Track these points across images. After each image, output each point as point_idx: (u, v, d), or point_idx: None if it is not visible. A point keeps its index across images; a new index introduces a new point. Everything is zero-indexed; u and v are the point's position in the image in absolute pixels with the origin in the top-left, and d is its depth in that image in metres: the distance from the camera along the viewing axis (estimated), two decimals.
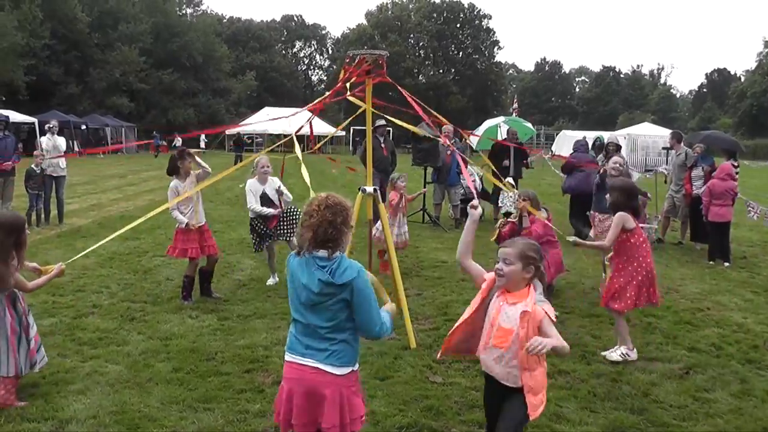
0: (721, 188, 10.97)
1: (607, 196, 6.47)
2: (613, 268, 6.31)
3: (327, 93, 7.15)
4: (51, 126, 14.54)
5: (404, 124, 8.52)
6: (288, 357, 3.49)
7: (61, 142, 14.50)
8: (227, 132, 51.54)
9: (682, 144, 12.96)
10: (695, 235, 12.31)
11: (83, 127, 47.89)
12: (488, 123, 22.10)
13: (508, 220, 8.42)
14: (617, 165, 8.92)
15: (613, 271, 6.31)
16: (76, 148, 41.69)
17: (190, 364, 5.86)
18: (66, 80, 53.25)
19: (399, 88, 6.93)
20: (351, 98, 6.87)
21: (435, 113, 8.34)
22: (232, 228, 13.61)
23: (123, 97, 56.17)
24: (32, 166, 13.48)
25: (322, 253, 3.32)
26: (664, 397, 5.36)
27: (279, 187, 8.70)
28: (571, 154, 13.88)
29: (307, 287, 3.33)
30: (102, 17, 57.08)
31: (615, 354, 6.18)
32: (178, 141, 35.41)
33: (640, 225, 6.43)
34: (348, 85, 6.59)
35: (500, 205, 8.94)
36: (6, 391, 4.91)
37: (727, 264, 10.84)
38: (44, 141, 14.26)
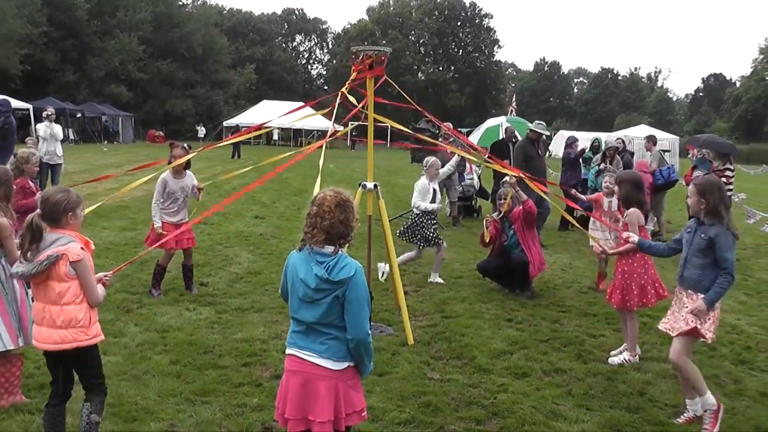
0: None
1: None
2: (619, 266, 6.19)
3: (331, 91, 7.01)
4: (49, 113, 14.52)
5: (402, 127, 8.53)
6: (288, 350, 3.52)
7: (58, 130, 14.47)
8: (225, 124, 51.48)
9: (655, 147, 14.71)
10: None
11: (79, 115, 47.73)
12: (489, 123, 22.07)
13: (492, 218, 8.57)
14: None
15: (619, 270, 6.19)
16: (71, 137, 41.53)
17: (188, 356, 5.86)
18: (63, 67, 52.81)
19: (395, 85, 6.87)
20: (351, 97, 6.78)
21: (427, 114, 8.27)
22: (229, 221, 13.57)
23: (121, 86, 55.70)
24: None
25: (327, 249, 3.33)
26: (659, 396, 5.40)
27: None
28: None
29: (304, 282, 3.34)
30: (101, 4, 56.44)
31: (617, 359, 6.12)
32: None
33: None
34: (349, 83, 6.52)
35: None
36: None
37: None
38: (41, 128, 14.24)
